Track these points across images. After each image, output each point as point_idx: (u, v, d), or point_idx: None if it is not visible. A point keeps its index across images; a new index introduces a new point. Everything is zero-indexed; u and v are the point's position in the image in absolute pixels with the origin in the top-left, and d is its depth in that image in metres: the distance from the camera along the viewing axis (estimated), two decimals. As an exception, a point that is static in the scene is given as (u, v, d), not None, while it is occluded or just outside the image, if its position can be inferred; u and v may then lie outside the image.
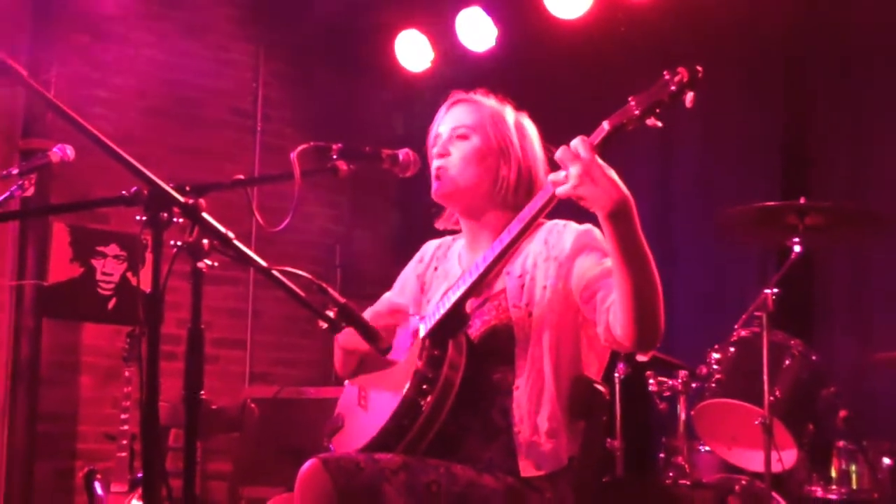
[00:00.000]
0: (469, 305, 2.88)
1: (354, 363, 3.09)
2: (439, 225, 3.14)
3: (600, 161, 2.41)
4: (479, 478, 2.65)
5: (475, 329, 2.84)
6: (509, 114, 3.01)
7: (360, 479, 2.54)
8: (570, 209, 2.75)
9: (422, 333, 2.80)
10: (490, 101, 3.03)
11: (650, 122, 2.39)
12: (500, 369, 2.80)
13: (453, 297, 2.81)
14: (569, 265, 2.76)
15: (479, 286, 2.83)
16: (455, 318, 2.81)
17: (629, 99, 2.41)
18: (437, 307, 2.85)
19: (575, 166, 2.39)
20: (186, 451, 2.17)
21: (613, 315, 2.58)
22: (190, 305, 2.17)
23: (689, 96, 2.33)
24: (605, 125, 2.44)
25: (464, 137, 2.95)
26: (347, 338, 3.00)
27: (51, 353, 6.32)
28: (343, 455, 2.65)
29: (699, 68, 2.32)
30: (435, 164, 2.97)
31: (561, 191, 2.45)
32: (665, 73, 2.36)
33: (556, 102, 6.19)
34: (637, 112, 2.38)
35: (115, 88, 6.69)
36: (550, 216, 2.81)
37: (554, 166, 2.96)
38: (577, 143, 2.42)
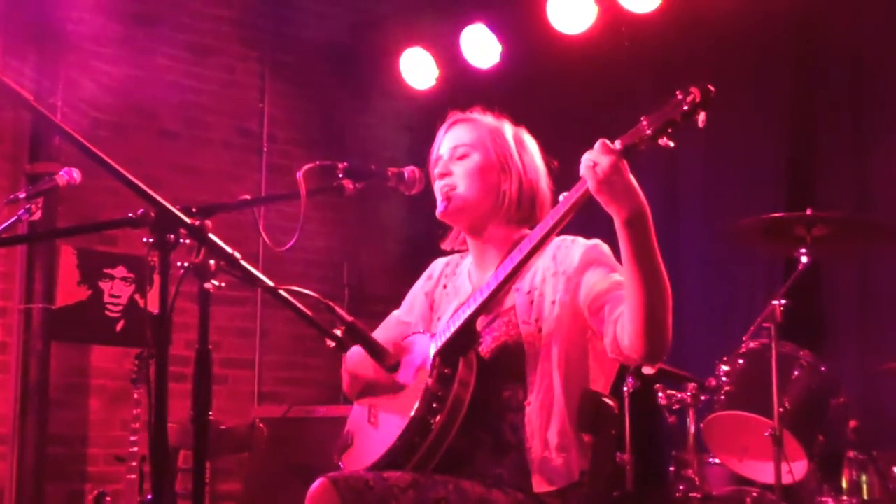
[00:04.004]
0: (479, 323, 2.88)
1: (360, 385, 3.09)
2: (445, 246, 3.15)
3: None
4: (488, 494, 2.65)
5: (485, 346, 2.85)
6: (508, 129, 3.02)
7: (369, 498, 2.54)
8: (578, 225, 2.76)
9: (432, 352, 2.81)
10: (488, 119, 3.04)
11: (662, 142, 2.38)
12: (510, 386, 2.80)
13: (464, 315, 2.81)
14: (577, 279, 2.77)
15: (490, 304, 2.84)
16: (465, 337, 2.82)
17: (641, 119, 2.41)
18: (447, 325, 2.85)
19: (608, 158, 2.40)
20: (196, 472, 2.17)
21: (621, 326, 2.59)
22: (198, 326, 2.17)
23: (702, 116, 2.32)
24: (617, 145, 2.43)
25: (464, 156, 2.97)
26: (354, 362, 3.01)
27: (60, 375, 6.32)
28: (352, 474, 2.65)
29: (711, 88, 2.31)
30: (438, 184, 2.98)
31: (589, 173, 2.44)
32: (678, 92, 2.35)
33: (562, 117, 6.21)
34: (649, 132, 2.38)
35: (121, 111, 6.70)
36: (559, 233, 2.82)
37: (556, 179, 2.98)
38: (608, 143, 2.43)
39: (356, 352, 2.87)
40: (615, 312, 2.63)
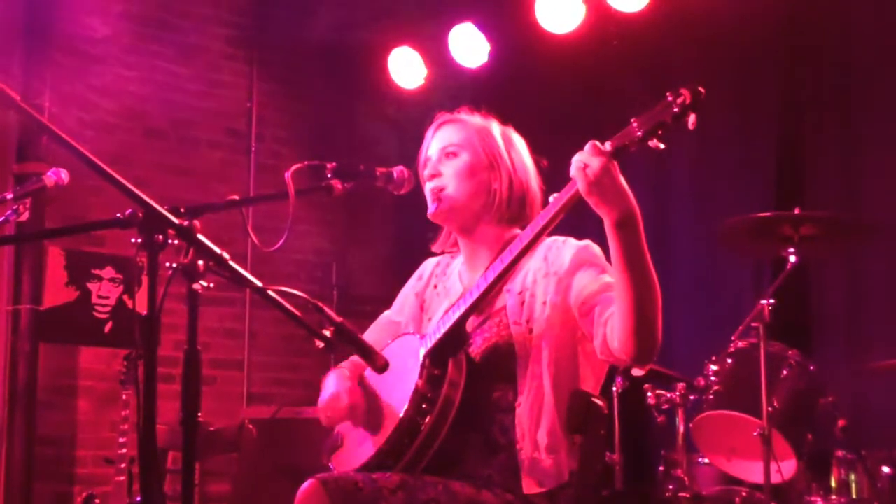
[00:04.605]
0: (470, 324, 2.88)
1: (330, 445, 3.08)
2: (436, 248, 3.15)
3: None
4: (477, 495, 2.64)
5: (476, 347, 2.84)
6: (496, 128, 3.02)
7: (358, 499, 2.54)
8: (568, 226, 2.76)
9: (422, 353, 2.80)
10: (475, 118, 3.04)
11: (652, 143, 2.38)
12: (500, 387, 2.80)
13: (455, 316, 2.81)
14: (568, 280, 2.77)
15: (481, 305, 2.83)
16: (455, 338, 2.81)
17: (631, 120, 2.40)
18: (437, 326, 2.85)
19: (598, 159, 2.40)
20: (185, 473, 2.16)
21: (611, 328, 2.59)
22: (186, 327, 2.16)
23: (692, 118, 2.32)
24: (608, 146, 2.43)
25: (453, 155, 2.96)
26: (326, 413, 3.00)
27: (48, 377, 6.30)
28: (341, 475, 2.65)
29: (702, 89, 2.31)
30: (428, 185, 2.98)
31: (579, 175, 2.44)
32: (668, 94, 2.34)
33: (550, 117, 6.22)
34: (639, 133, 2.38)
35: (109, 111, 6.68)
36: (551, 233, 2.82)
37: (545, 178, 2.98)
38: (598, 145, 2.43)
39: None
40: (605, 314, 2.62)
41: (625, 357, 2.58)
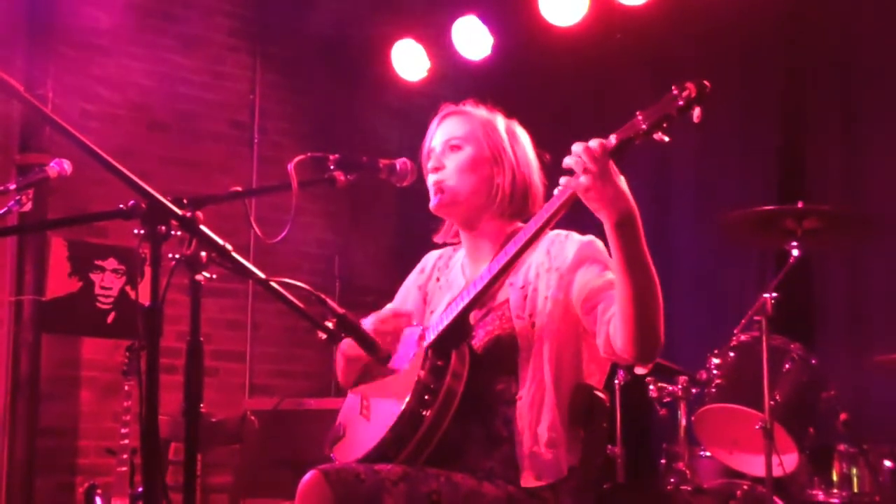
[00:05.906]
0: (472, 317, 2.87)
1: (357, 372, 3.09)
2: (438, 239, 3.14)
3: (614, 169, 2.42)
4: (479, 487, 2.64)
5: (479, 339, 2.84)
6: (500, 122, 3.01)
7: (360, 491, 2.54)
8: (572, 221, 2.75)
9: (425, 344, 2.80)
10: (480, 111, 3.02)
11: (657, 136, 2.38)
12: (502, 379, 2.79)
13: (457, 308, 2.80)
14: (570, 276, 2.76)
15: (483, 297, 2.83)
16: (458, 329, 2.81)
17: (636, 113, 2.40)
18: (440, 318, 2.85)
19: (596, 164, 2.39)
20: (187, 464, 2.17)
21: (614, 327, 2.58)
22: (189, 318, 2.17)
23: (697, 112, 2.32)
24: (612, 139, 2.43)
25: (457, 148, 2.95)
26: (350, 345, 3.01)
27: (50, 367, 6.31)
28: (343, 466, 2.65)
29: (707, 83, 2.32)
30: (431, 178, 2.97)
31: (571, 182, 2.43)
32: (673, 87, 2.34)
33: (553, 109, 6.21)
34: (644, 126, 2.38)
35: (112, 102, 6.68)
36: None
37: (547, 172, 2.97)
38: (595, 144, 2.42)
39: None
40: (608, 312, 2.62)
41: (627, 357, 2.58)
